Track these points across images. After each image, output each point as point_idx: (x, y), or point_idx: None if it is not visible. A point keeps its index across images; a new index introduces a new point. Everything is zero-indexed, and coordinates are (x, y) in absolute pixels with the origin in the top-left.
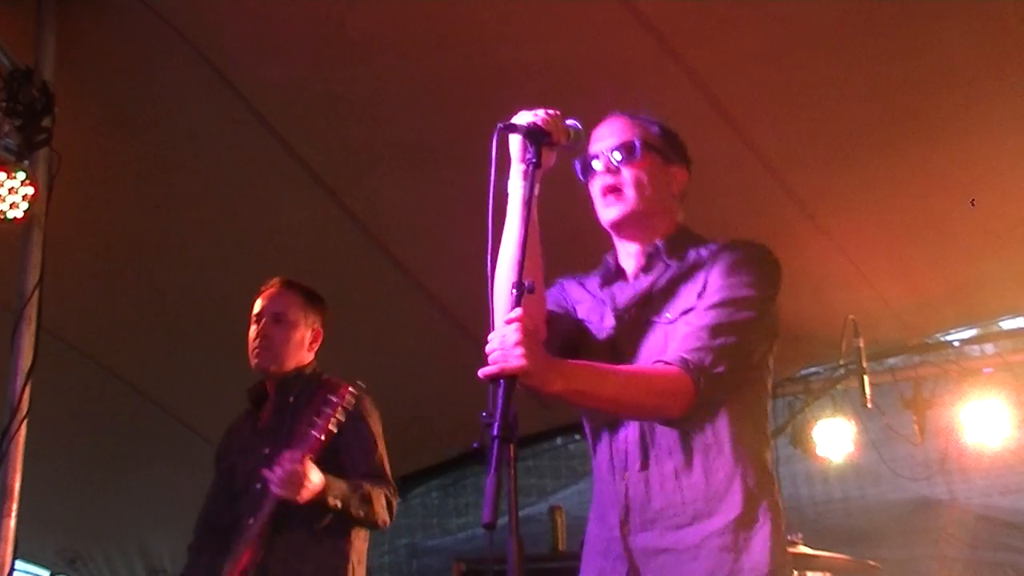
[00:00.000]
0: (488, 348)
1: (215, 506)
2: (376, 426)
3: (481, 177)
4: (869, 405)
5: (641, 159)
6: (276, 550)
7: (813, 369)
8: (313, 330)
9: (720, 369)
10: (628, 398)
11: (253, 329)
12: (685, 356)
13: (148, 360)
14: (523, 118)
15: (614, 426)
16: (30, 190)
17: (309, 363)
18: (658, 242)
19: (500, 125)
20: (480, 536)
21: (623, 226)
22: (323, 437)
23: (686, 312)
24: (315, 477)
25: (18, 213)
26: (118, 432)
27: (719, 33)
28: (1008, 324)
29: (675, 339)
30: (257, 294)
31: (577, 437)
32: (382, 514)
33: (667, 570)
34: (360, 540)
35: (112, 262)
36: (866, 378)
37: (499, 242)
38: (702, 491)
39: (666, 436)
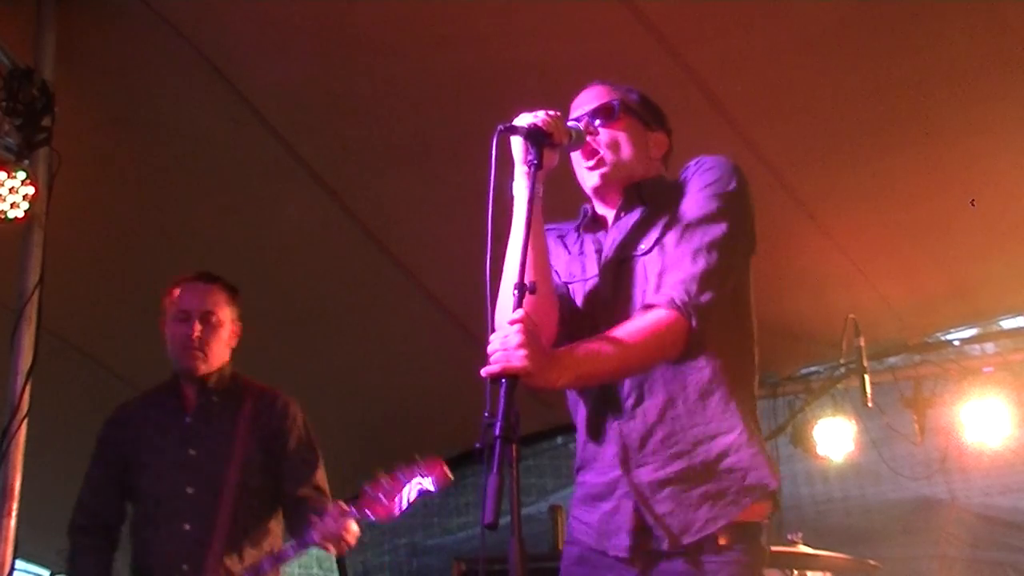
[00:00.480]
0: (490, 349)
1: (100, 503)
2: (315, 436)
3: (481, 177)
4: (869, 404)
5: (619, 120)
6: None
7: (813, 368)
8: (235, 324)
9: (708, 296)
10: (631, 363)
11: (181, 328)
12: (671, 294)
13: (148, 359)
14: (523, 120)
15: None
16: (30, 190)
17: (227, 363)
18: (639, 182)
19: (500, 127)
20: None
21: (604, 189)
22: (386, 504)
23: (659, 240)
24: (355, 531)
25: (18, 213)
26: None
27: (719, 32)
28: (1008, 323)
29: (653, 271)
30: (174, 285)
31: None
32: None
33: (677, 498)
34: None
35: (112, 261)
36: (866, 377)
37: (498, 243)
38: (699, 416)
39: (657, 369)
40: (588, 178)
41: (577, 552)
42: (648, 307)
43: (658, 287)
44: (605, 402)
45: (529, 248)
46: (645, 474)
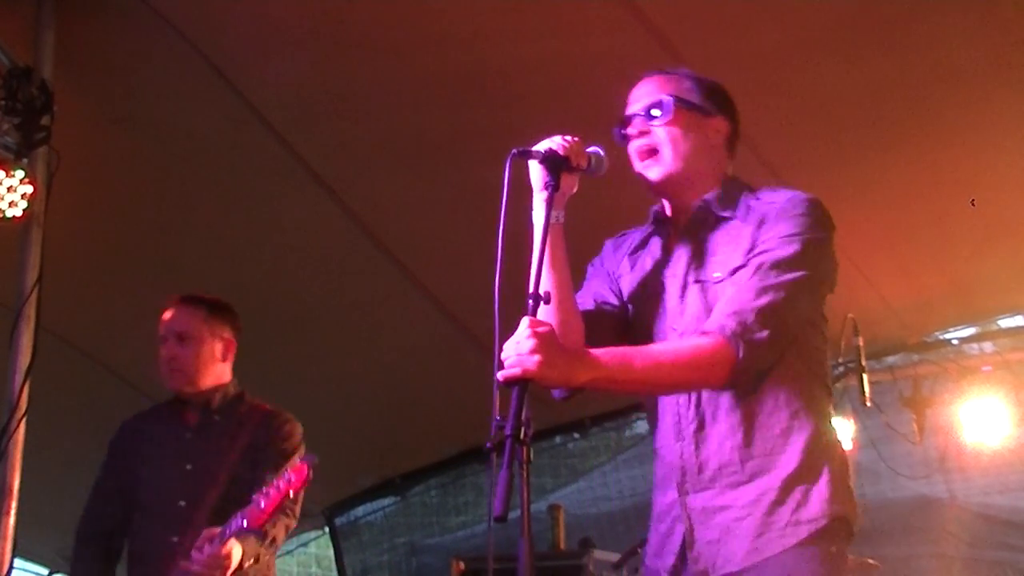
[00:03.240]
0: (503, 355)
1: (101, 510)
2: (300, 452)
3: (481, 177)
4: (868, 403)
5: (674, 116)
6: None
7: None
8: (223, 340)
9: (763, 335)
10: (661, 378)
11: (159, 350)
12: (725, 322)
13: (147, 358)
14: (541, 145)
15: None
16: (29, 189)
17: (229, 380)
18: (708, 196)
19: (514, 151)
20: (479, 534)
21: (665, 187)
22: (265, 510)
23: (735, 271)
24: (236, 553)
25: (17, 212)
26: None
27: (719, 32)
28: (1007, 322)
29: (722, 300)
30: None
31: (576, 436)
32: (281, 542)
33: (725, 527)
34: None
35: (111, 260)
36: (865, 376)
37: (507, 263)
38: (759, 448)
39: (721, 396)
40: (648, 174)
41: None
42: (703, 333)
43: (719, 312)
44: (671, 425)
45: (547, 265)
46: (700, 500)
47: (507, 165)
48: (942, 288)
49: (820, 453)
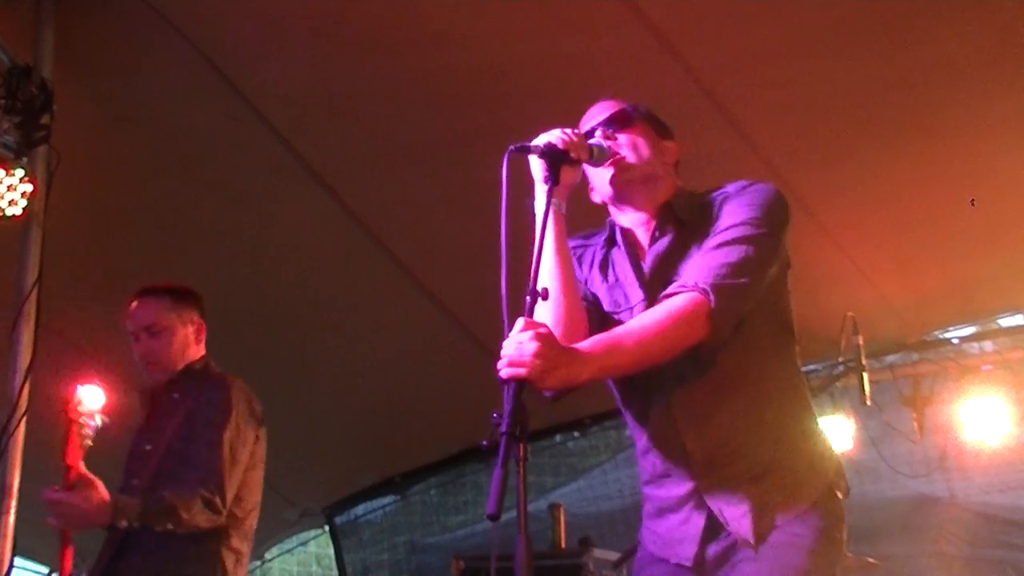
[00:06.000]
0: (504, 353)
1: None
2: (231, 418)
3: (480, 176)
4: (868, 402)
5: (635, 125)
6: (131, 552)
7: (812, 366)
8: (193, 324)
9: (733, 281)
10: (652, 347)
11: (133, 347)
12: (696, 278)
13: None
14: (540, 139)
15: (660, 387)
16: (29, 187)
17: (199, 358)
18: (669, 200)
19: (511, 147)
20: (479, 533)
21: (626, 189)
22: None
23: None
24: (86, 504)
25: (17, 210)
26: None
27: (719, 31)
28: (1007, 321)
29: (691, 266)
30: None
31: (576, 435)
32: (199, 518)
33: (742, 505)
34: (238, 540)
35: (111, 259)
36: (865, 375)
37: (513, 258)
38: (756, 433)
39: (713, 386)
40: (604, 177)
41: (643, 555)
42: (673, 294)
43: (686, 276)
44: (667, 421)
45: (551, 259)
46: (712, 485)
47: (504, 161)
48: (942, 287)
49: (811, 429)
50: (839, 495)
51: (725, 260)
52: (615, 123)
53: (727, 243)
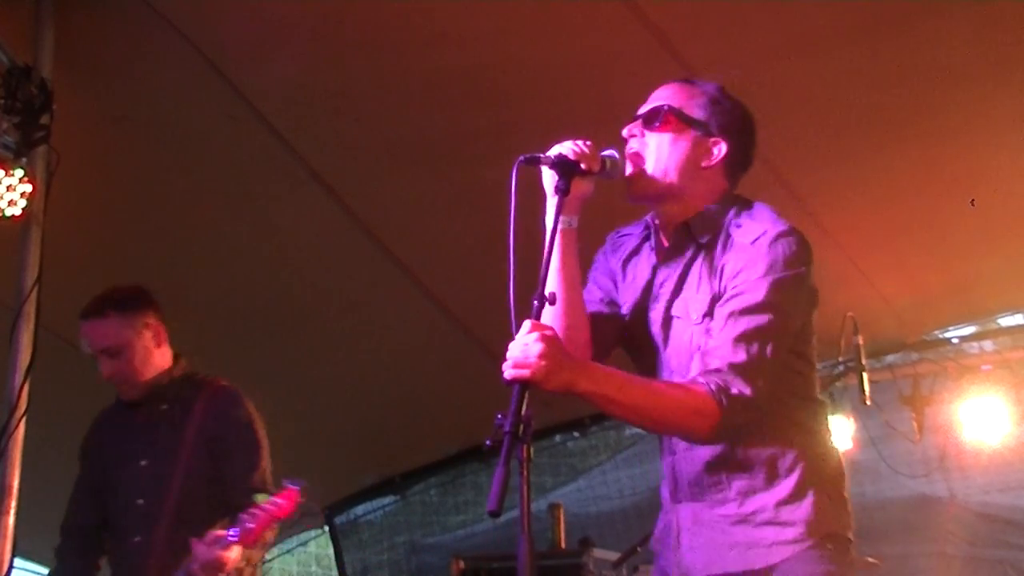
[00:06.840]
0: (509, 355)
1: (79, 507)
2: (261, 433)
3: (480, 176)
4: (868, 402)
5: (663, 126)
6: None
7: None
8: (149, 328)
9: (745, 392)
10: (652, 411)
11: (100, 368)
12: (708, 378)
13: None
14: (553, 150)
15: None
16: (28, 188)
17: (173, 363)
18: (689, 217)
19: (521, 158)
20: (479, 533)
21: (642, 197)
22: (254, 532)
23: (707, 315)
24: (232, 554)
25: (16, 211)
26: None
27: (718, 30)
28: (1006, 321)
29: (703, 344)
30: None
31: (576, 435)
32: (272, 540)
33: (708, 540)
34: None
35: (111, 259)
36: (865, 375)
37: (516, 271)
38: (745, 468)
39: None
40: (627, 178)
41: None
42: (694, 382)
43: (702, 367)
44: (667, 442)
45: (556, 270)
46: (688, 511)
47: (514, 172)
48: (942, 287)
49: (808, 474)
50: (842, 545)
51: (737, 361)
52: (646, 120)
53: (740, 339)
